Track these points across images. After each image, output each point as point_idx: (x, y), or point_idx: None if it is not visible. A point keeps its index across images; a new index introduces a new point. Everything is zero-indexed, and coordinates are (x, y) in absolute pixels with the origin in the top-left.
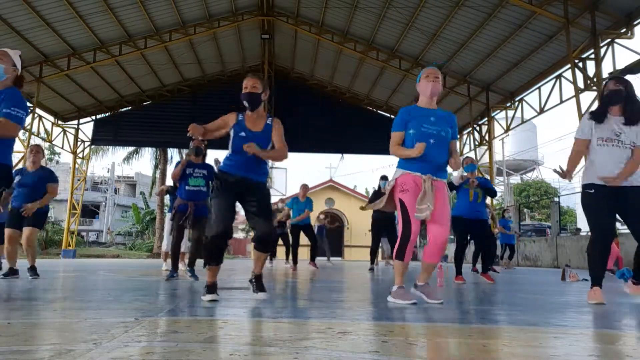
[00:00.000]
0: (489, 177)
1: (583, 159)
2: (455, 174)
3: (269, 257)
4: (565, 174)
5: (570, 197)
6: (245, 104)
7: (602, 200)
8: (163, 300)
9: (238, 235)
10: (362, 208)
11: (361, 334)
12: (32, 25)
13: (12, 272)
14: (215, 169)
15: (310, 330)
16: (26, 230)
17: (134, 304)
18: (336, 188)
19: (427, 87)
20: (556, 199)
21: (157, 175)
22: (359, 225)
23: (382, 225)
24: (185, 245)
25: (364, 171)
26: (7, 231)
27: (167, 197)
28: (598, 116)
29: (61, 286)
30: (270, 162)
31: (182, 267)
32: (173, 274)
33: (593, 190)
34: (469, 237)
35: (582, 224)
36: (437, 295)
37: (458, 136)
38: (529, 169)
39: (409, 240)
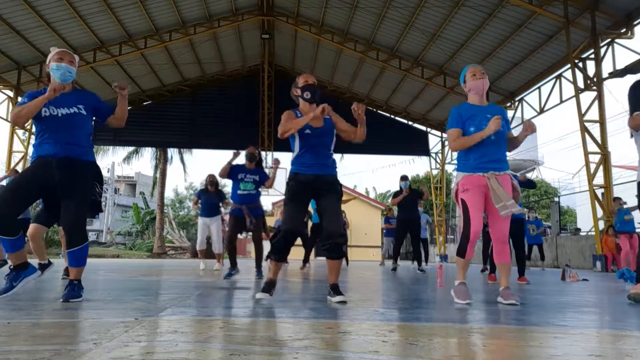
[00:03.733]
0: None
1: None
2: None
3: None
4: None
5: (571, 197)
6: (308, 95)
7: None
8: (163, 300)
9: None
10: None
11: (361, 334)
12: (32, 25)
13: (44, 267)
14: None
15: (310, 330)
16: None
17: (134, 304)
18: None
19: (478, 84)
20: (556, 199)
21: (158, 175)
22: (359, 225)
23: (407, 226)
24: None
25: (364, 171)
26: (32, 226)
27: (167, 198)
28: None
29: (61, 286)
30: (269, 161)
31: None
32: (232, 272)
33: None
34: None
35: (582, 224)
36: (512, 297)
37: (511, 127)
38: (529, 169)
39: (469, 239)
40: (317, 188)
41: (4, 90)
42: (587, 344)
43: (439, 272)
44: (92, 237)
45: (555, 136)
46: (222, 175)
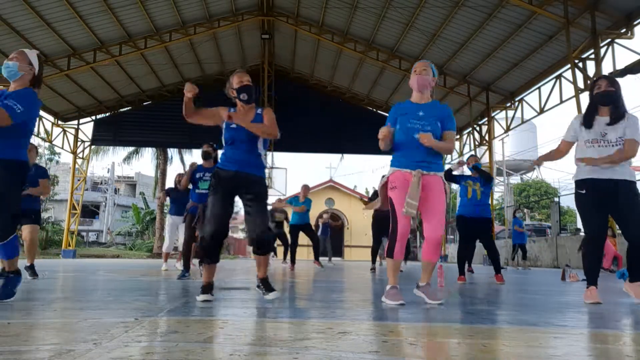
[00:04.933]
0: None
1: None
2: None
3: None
4: (536, 162)
5: (570, 197)
6: (244, 97)
7: (594, 199)
8: (163, 300)
9: (238, 235)
10: (364, 208)
11: (361, 334)
12: (32, 25)
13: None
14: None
15: (310, 330)
16: (29, 227)
17: (134, 304)
18: (336, 188)
19: (414, 80)
20: (556, 199)
21: (158, 175)
22: (359, 225)
23: (383, 224)
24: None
25: (364, 171)
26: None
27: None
28: (587, 121)
29: (61, 286)
30: (268, 162)
31: (178, 265)
32: (185, 274)
33: (584, 191)
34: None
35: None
36: (438, 295)
37: (454, 128)
38: (529, 169)
39: (397, 238)
40: (239, 185)
41: None
42: (587, 344)
43: (439, 272)
44: (92, 237)
45: (555, 136)
46: (183, 188)
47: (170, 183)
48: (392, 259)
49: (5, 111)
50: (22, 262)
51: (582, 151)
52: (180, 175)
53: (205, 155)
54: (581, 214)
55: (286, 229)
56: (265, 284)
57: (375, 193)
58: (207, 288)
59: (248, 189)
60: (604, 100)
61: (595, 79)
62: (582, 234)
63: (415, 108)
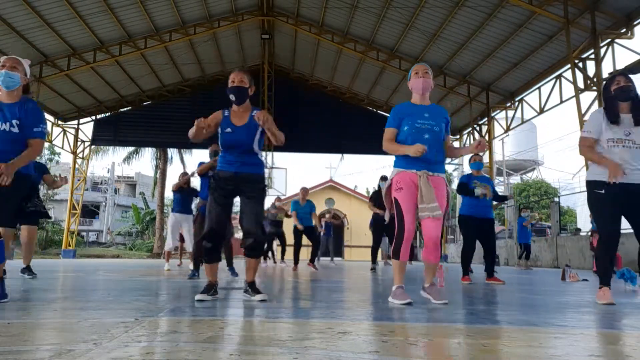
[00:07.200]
0: (489, 177)
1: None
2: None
3: (262, 257)
4: (614, 172)
5: (570, 197)
6: (232, 97)
7: (611, 199)
8: (163, 300)
9: (239, 235)
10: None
11: (361, 334)
12: (32, 25)
13: None
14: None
15: (310, 330)
16: (28, 228)
17: (134, 304)
18: (336, 188)
19: (417, 83)
20: (556, 199)
21: (158, 175)
22: (359, 225)
23: (383, 225)
24: (190, 245)
25: (364, 171)
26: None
27: (167, 198)
28: (613, 117)
29: (61, 286)
30: (269, 162)
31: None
32: (195, 273)
33: (603, 191)
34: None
35: (582, 224)
36: (442, 296)
37: (450, 133)
38: (529, 169)
39: (403, 239)
40: (237, 186)
41: None
42: (587, 344)
43: (439, 272)
44: (92, 237)
45: (555, 136)
46: (200, 173)
47: (170, 183)
48: (398, 260)
49: (42, 140)
50: (18, 263)
51: (604, 151)
52: (185, 175)
53: (216, 154)
54: (596, 213)
55: (286, 228)
56: (253, 287)
57: (375, 193)
58: (207, 288)
59: (247, 187)
60: (625, 95)
61: (610, 76)
62: (582, 234)
63: (421, 109)
